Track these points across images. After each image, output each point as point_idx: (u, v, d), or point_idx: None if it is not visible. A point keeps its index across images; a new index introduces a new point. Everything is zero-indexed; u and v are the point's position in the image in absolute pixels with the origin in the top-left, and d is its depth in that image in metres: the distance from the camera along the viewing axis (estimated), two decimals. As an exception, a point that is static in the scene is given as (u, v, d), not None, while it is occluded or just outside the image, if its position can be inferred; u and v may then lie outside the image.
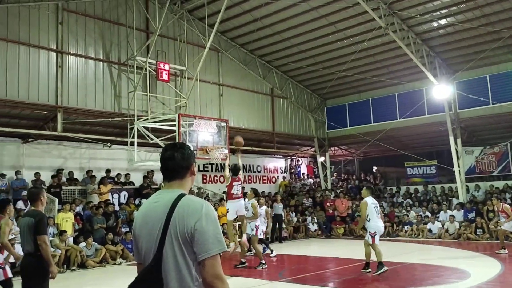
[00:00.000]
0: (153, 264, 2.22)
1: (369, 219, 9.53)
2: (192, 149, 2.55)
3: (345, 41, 17.58)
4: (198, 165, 18.70)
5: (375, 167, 24.06)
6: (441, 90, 16.92)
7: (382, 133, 19.35)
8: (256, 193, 11.95)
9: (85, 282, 10.27)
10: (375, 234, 9.48)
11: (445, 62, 17.82)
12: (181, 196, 2.30)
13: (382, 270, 9.29)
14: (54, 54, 13.83)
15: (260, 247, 11.57)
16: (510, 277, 9.21)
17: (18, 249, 10.44)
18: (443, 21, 15.68)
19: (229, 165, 10.84)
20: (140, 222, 2.39)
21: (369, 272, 9.48)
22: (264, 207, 12.32)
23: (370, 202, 9.61)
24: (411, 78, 18.75)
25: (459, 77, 17.77)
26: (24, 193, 13.06)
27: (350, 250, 13.53)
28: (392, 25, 15.39)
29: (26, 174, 13.91)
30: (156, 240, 2.23)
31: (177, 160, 2.41)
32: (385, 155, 22.90)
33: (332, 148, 23.55)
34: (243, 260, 11.22)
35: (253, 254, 12.15)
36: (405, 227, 17.17)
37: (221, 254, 2.19)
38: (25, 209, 12.39)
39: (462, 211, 16.58)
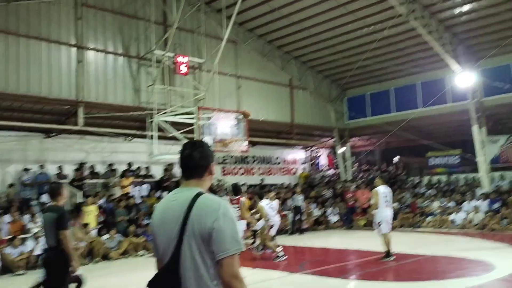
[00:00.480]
0: (171, 262, 2.24)
1: (377, 207, 9.91)
2: (211, 148, 2.54)
3: (365, 29, 17.26)
4: (217, 157, 18.75)
5: (397, 157, 23.74)
6: (464, 78, 16.49)
7: (404, 123, 19.02)
8: (260, 196, 11.73)
9: (109, 273, 10.44)
10: (381, 224, 9.90)
11: (469, 49, 17.34)
12: (198, 195, 2.30)
13: (388, 259, 9.72)
14: (74, 49, 14.01)
15: (273, 242, 11.14)
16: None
17: (30, 245, 10.79)
18: (466, 7, 15.24)
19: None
20: (158, 220, 2.40)
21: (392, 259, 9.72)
22: (276, 201, 11.72)
23: (381, 191, 10.00)
24: (433, 66, 18.34)
25: (483, 64, 17.26)
26: (49, 187, 13.36)
27: (372, 242, 13.40)
28: (413, 12, 15.03)
29: (50, 168, 14.19)
30: (174, 239, 2.25)
31: (195, 160, 2.41)
32: (407, 145, 22.57)
33: (353, 139, 23.30)
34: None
35: (255, 246, 11.99)
36: (428, 218, 16.92)
37: (239, 254, 2.20)
38: (47, 203, 12.66)
39: (487, 201, 16.24)
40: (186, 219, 2.22)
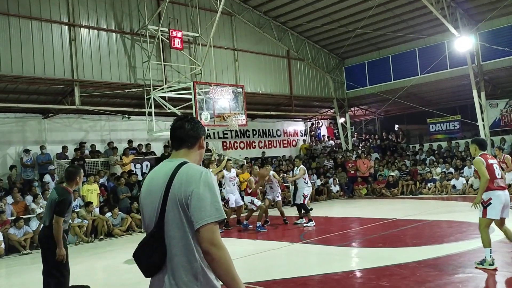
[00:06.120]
0: (155, 230, 2.22)
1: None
2: (202, 124, 2.54)
3: (361, -4, 16.95)
4: (218, 132, 18.74)
5: (397, 126, 23.70)
6: (463, 42, 16.28)
7: (403, 90, 18.91)
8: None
9: (113, 249, 10.59)
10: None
11: (467, 12, 17.04)
12: (182, 164, 2.27)
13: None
14: (66, 27, 13.84)
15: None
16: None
17: (33, 226, 10.84)
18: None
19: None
20: (145, 191, 2.40)
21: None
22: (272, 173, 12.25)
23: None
24: (431, 32, 18.08)
25: (482, 28, 17.03)
26: (51, 167, 13.41)
27: (373, 209, 13.53)
28: (409, -24, 14.71)
29: (50, 149, 14.21)
30: (158, 208, 2.23)
31: (186, 129, 2.42)
32: (407, 112, 22.48)
33: (352, 109, 23.21)
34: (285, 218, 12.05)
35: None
36: (429, 184, 17.00)
37: (219, 222, 2.13)
38: (49, 183, 12.73)
39: (487, 165, 16.24)
40: (169, 187, 2.20)
